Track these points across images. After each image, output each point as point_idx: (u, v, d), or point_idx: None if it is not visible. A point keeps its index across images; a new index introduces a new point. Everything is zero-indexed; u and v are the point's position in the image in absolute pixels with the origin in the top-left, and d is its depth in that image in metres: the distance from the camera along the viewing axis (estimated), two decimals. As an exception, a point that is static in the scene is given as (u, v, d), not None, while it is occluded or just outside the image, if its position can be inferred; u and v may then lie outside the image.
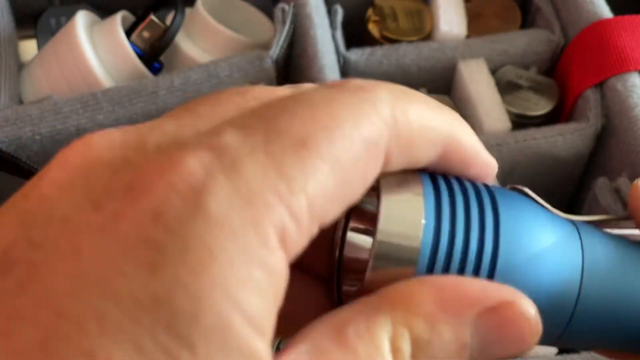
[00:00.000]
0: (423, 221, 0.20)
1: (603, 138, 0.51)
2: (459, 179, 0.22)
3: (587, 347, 0.23)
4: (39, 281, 0.17)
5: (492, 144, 0.49)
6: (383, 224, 0.20)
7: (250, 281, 0.18)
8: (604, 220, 0.24)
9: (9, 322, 0.16)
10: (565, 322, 0.22)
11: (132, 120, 0.50)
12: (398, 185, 0.21)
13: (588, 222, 0.23)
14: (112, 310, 0.17)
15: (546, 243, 0.21)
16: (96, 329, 0.16)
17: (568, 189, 0.55)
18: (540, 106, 0.53)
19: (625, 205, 0.47)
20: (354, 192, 0.20)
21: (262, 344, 0.18)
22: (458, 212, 0.21)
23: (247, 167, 0.18)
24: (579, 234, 0.22)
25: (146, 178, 0.18)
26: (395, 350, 0.19)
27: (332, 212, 0.19)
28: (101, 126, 0.50)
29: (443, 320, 0.20)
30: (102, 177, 0.18)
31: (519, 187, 0.24)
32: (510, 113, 0.52)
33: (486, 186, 0.22)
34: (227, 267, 0.17)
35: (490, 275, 0.21)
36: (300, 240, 0.19)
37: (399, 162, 0.21)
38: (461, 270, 0.21)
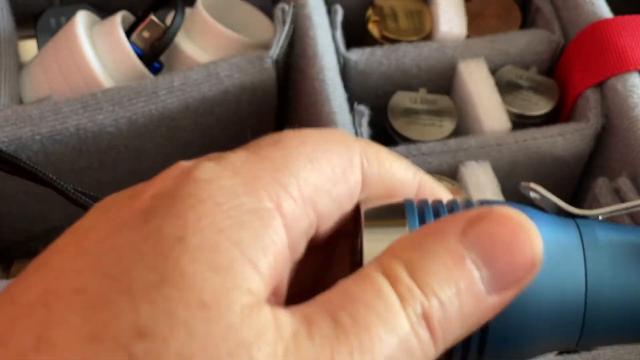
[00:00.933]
0: None
1: (603, 138, 0.51)
2: (447, 201, 0.22)
3: (610, 344, 0.22)
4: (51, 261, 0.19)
5: (492, 144, 0.49)
6: (367, 261, 0.21)
7: (239, 219, 0.19)
8: (628, 208, 0.23)
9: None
10: (579, 326, 0.21)
11: (132, 120, 0.50)
12: (381, 217, 0.21)
13: (609, 214, 0.23)
14: (105, 257, 0.18)
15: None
16: (88, 269, 0.18)
17: (568, 189, 0.55)
18: (540, 106, 0.53)
19: (625, 205, 0.47)
20: (341, 191, 0.22)
21: (253, 272, 0.19)
22: None
23: (231, 155, 0.21)
24: (581, 234, 0.22)
25: (147, 183, 0.20)
26: (390, 277, 0.19)
27: (324, 203, 0.21)
28: (101, 126, 0.50)
29: (429, 240, 0.20)
30: (115, 200, 0.20)
31: (530, 185, 0.23)
32: (510, 113, 0.52)
33: (480, 204, 0.22)
34: (214, 207, 0.19)
35: None
36: (298, 214, 0.20)
37: (377, 190, 0.23)
38: None
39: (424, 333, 0.19)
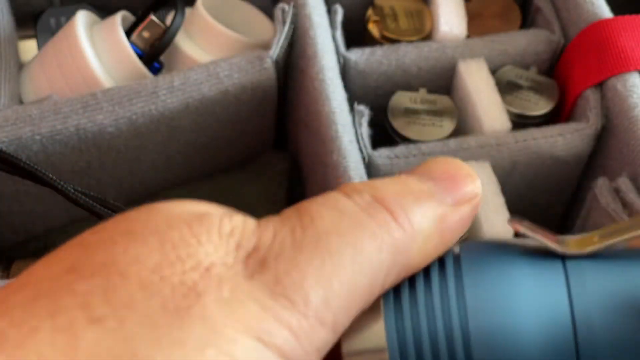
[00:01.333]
0: (383, 329, 0.20)
1: (603, 138, 0.51)
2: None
3: None
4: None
5: (492, 144, 0.49)
6: (345, 345, 0.21)
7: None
8: (623, 240, 0.22)
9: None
10: None
11: (132, 120, 0.50)
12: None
13: (603, 248, 0.21)
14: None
15: (520, 300, 0.20)
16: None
17: (568, 189, 0.55)
18: (540, 106, 0.53)
19: (625, 205, 0.47)
20: None
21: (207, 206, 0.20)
22: (419, 303, 0.21)
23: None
24: (566, 271, 0.21)
25: None
26: (340, 189, 0.21)
27: None
28: (101, 126, 0.50)
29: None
30: None
31: (514, 224, 0.22)
32: (510, 113, 0.52)
33: (455, 257, 0.22)
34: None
35: (467, 348, 0.20)
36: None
37: None
38: (434, 347, 0.20)
39: (378, 211, 0.20)
